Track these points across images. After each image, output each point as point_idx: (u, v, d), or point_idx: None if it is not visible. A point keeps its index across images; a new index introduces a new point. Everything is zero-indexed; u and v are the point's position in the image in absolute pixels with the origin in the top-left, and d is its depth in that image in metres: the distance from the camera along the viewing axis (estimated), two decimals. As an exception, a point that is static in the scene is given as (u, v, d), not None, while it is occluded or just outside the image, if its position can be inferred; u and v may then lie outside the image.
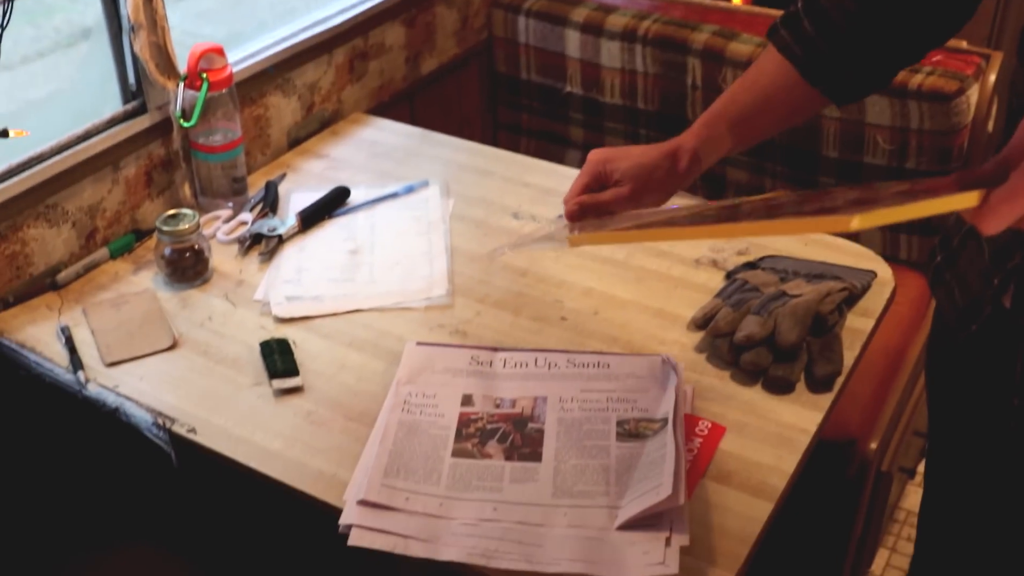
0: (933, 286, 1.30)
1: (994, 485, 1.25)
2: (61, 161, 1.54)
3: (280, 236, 1.65)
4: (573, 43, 2.26)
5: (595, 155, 1.27)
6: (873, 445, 1.79)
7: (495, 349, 1.42)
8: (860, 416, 1.80)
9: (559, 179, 1.82)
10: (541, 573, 1.12)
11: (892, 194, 0.99)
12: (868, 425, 1.81)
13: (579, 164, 2.08)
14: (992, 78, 2.00)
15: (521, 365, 1.39)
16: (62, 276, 1.57)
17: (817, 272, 1.52)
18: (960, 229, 1.23)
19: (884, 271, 1.58)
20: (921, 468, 2.35)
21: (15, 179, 1.49)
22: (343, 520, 1.18)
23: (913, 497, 2.33)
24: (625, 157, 1.25)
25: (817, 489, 1.73)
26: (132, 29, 1.59)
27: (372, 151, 1.93)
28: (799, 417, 1.33)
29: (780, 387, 1.37)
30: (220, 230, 1.67)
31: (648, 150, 1.26)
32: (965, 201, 0.85)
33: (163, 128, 1.69)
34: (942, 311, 1.31)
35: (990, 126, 2.02)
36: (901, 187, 1.03)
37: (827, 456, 1.72)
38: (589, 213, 1.26)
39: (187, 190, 1.75)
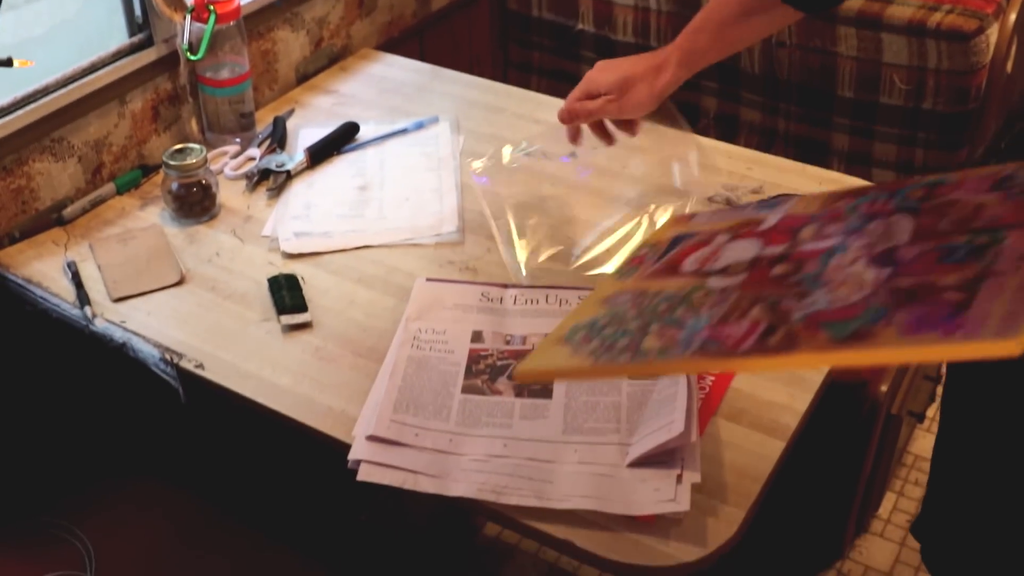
0: None
1: (1009, 423, 1.24)
2: (66, 95, 1.52)
3: (288, 172, 1.64)
4: (585, -20, 2.23)
5: (591, 71, 1.42)
6: (884, 387, 1.77)
7: (505, 286, 1.41)
8: (871, 358, 1.78)
9: (571, 116, 1.80)
10: (551, 509, 1.11)
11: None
12: (879, 367, 1.79)
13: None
14: (1012, 17, 1.97)
15: (532, 302, 1.37)
16: (68, 211, 1.56)
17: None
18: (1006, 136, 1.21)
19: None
20: (930, 413, 2.34)
21: (20, 112, 1.47)
22: (352, 455, 1.17)
23: (921, 441, 2.33)
24: (614, 70, 1.40)
25: (827, 431, 1.72)
26: (138, -41, 1.57)
27: (381, 87, 1.90)
28: (812, 356, 1.31)
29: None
30: (227, 166, 1.66)
31: (636, 63, 1.39)
32: None
33: (170, 62, 1.67)
34: None
35: (1009, 66, 1.99)
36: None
37: (838, 398, 1.71)
38: (577, 118, 1.44)
39: (194, 125, 1.73)
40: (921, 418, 2.13)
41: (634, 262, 1.12)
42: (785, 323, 0.86)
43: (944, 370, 1.41)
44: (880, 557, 2.08)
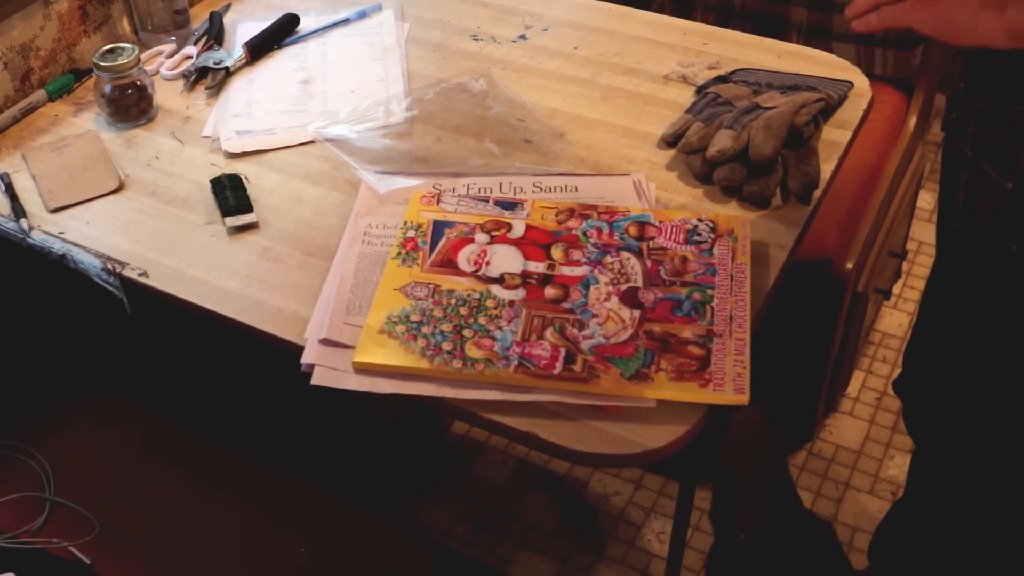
0: None
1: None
2: (-15, -4, 1.45)
3: (227, 69, 1.57)
4: None
5: None
6: (849, 265, 1.75)
7: (457, 175, 1.36)
8: (836, 235, 1.76)
9: (520, -2, 1.74)
10: (513, 402, 1.08)
11: None
12: (844, 244, 1.77)
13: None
14: None
15: (485, 191, 1.33)
16: (-2, 121, 1.49)
17: (791, 83, 1.46)
18: None
19: (861, 81, 1.52)
20: (896, 290, 2.33)
21: (-63, 16, 1.40)
22: (305, 359, 1.14)
23: (888, 319, 2.32)
24: None
25: (793, 311, 1.70)
26: None
27: (320, -23, 1.83)
28: (775, 233, 1.28)
29: (755, 203, 1.32)
30: (163, 65, 1.59)
31: None
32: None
33: (94, -42, 1.59)
34: None
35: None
36: None
37: (803, 276, 1.69)
38: None
39: (126, 25, 1.65)
40: (887, 295, 2.12)
41: (407, 245, 1.23)
42: (579, 352, 1.11)
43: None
44: (850, 435, 2.08)
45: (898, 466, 2.02)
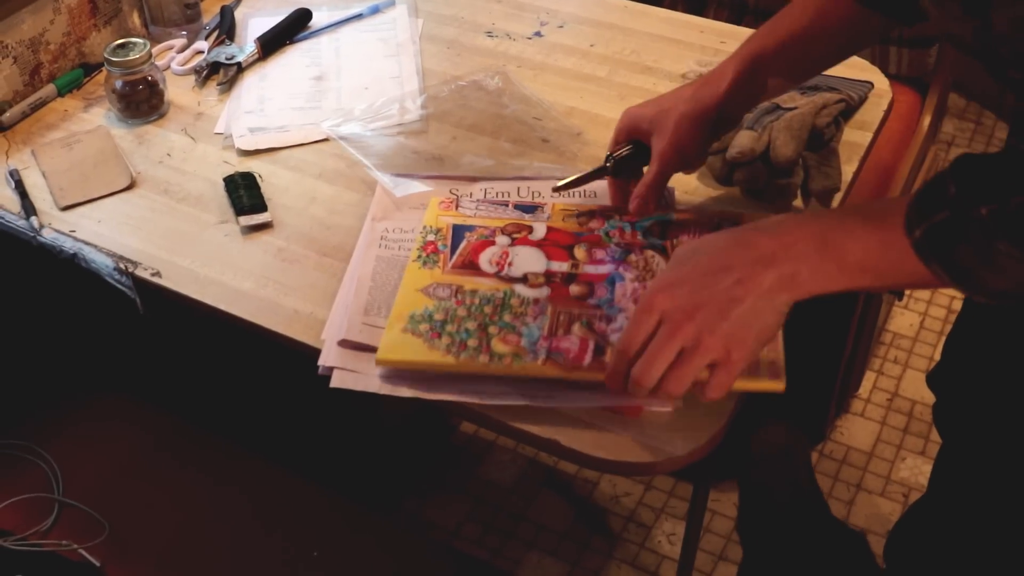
0: None
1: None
2: (-6, -10, 1.43)
3: (239, 64, 1.55)
4: None
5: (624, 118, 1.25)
6: (865, 265, 1.73)
7: (474, 179, 1.34)
8: (852, 236, 1.74)
9: (535, -6, 1.72)
10: (534, 408, 1.06)
11: None
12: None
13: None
14: None
15: (504, 195, 1.31)
16: (7, 116, 1.47)
17: (812, 84, 1.44)
18: None
19: (881, 81, 1.50)
20: (908, 290, 2.32)
21: (-55, 10, 1.38)
22: (322, 361, 1.12)
23: (899, 319, 2.30)
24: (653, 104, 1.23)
25: (808, 312, 1.68)
26: None
27: (332, -29, 1.81)
28: (797, 236, 1.26)
29: (777, 205, 1.30)
30: (174, 60, 1.57)
31: (679, 90, 1.22)
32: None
33: (105, -49, 1.57)
34: None
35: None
36: None
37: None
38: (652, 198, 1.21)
39: (136, 19, 1.63)
40: (900, 296, 2.10)
41: (427, 248, 1.21)
42: (609, 344, 1.08)
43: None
44: (861, 437, 2.06)
45: (909, 468, 2.01)
